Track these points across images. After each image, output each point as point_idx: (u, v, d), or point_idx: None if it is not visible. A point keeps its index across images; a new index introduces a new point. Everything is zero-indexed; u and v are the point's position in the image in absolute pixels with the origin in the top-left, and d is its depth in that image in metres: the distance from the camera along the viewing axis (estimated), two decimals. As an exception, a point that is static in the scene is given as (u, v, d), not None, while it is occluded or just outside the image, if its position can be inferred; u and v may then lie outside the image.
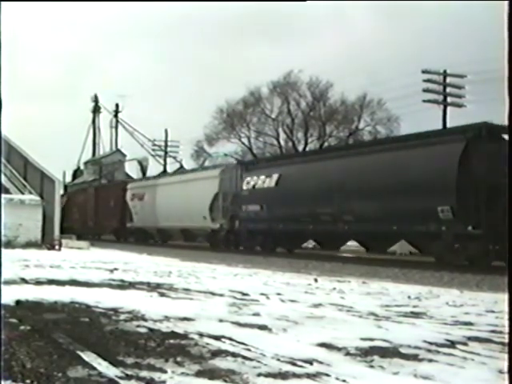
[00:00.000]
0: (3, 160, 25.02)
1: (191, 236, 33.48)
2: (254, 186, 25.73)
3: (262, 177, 25.40)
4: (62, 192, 34.62)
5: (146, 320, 5.43)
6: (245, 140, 51.84)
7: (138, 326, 5.07)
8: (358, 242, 23.97)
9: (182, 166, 52.61)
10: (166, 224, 34.04)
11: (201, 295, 7.83)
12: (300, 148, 48.31)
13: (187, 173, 37.13)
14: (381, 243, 22.06)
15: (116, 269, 12.47)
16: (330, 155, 24.59)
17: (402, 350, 4.35)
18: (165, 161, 58.05)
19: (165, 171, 51.15)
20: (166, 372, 3.49)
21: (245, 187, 26.33)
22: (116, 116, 67.25)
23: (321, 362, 3.85)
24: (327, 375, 3.53)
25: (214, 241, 29.56)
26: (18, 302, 6.26)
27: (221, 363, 3.76)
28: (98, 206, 43.43)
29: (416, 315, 6.45)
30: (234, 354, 4.02)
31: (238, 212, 27.01)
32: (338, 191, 20.77)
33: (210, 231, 29.64)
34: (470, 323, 5.88)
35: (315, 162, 23.81)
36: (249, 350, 4.19)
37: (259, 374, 3.50)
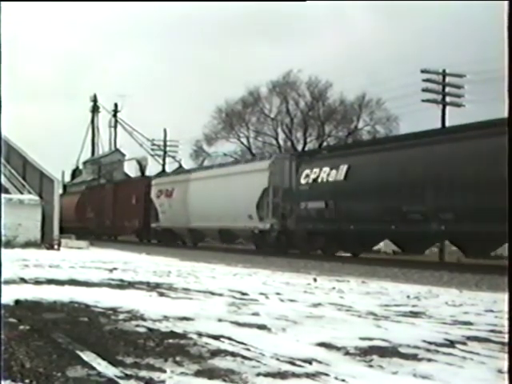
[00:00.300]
0: (3, 160, 25.02)
1: (230, 238, 29.57)
2: (315, 180, 22.19)
3: (326, 169, 21.77)
4: (60, 192, 34.35)
5: (145, 320, 5.43)
6: (244, 140, 51.82)
7: (137, 326, 5.07)
8: (455, 244, 19.89)
9: (180, 166, 52.59)
10: (200, 224, 30.02)
11: (200, 295, 7.83)
12: (299, 148, 48.26)
13: (229, 166, 32.12)
14: (486, 245, 17.66)
15: (115, 268, 12.47)
16: (421, 141, 19.49)
17: (401, 350, 4.35)
18: (164, 160, 58.06)
19: (164, 171, 51.09)
20: (165, 372, 3.49)
21: (303, 181, 22.81)
22: (115, 116, 67.37)
23: (320, 362, 3.85)
24: (326, 375, 3.53)
25: (262, 243, 25.78)
26: (17, 302, 6.26)
27: (220, 363, 3.76)
28: (118, 204, 39.41)
29: (415, 315, 6.46)
30: (233, 354, 4.02)
31: (293, 210, 23.55)
32: (433, 184, 17.45)
33: (258, 232, 25.72)
34: (469, 323, 5.88)
35: (399, 150, 19.77)
36: (248, 349, 4.19)
37: (258, 374, 3.50)
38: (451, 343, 4.68)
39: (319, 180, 21.99)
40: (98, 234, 40.06)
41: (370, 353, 4.20)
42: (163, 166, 56.78)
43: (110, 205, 40.32)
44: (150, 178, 38.76)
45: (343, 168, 21.00)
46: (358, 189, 20.15)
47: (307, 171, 22.75)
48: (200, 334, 4.71)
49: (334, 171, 21.38)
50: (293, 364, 3.77)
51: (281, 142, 50.81)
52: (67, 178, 65.99)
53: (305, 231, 22.84)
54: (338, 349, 4.33)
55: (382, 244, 23.19)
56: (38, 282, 8.89)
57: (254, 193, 25.40)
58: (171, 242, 32.26)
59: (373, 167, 20.11)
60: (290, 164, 24.64)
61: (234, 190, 26.90)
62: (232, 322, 5.44)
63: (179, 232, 32.87)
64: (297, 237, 23.53)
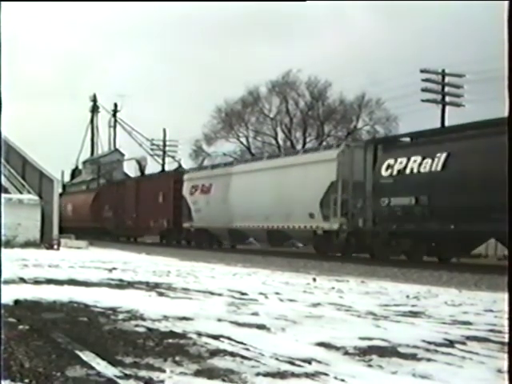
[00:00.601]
0: (2, 160, 25.01)
1: (281, 239, 26.21)
2: (400, 171, 18.84)
3: (417, 157, 18.45)
4: (60, 191, 34.11)
5: (144, 319, 5.43)
6: (243, 139, 51.77)
7: (137, 326, 5.07)
8: None
9: (180, 166, 52.51)
10: (244, 224, 26.41)
11: (199, 295, 7.83)
12: (298, 147, 48.28)
13: (283, 157, 27.60)
14: None
15: (115, 268, 12.47)
16: None
17: (401, 350, 4.35)
18: (163, 160, 58.03)
19: (163, 170, 51.05)
20: (164, 371, 3.48)
21: (384, 173, 19.37)
22: (114, 115, 67.37)
23: (319, 362, 3.85)
24: (326, 374, 3.53)
25: (325, 246, 22.25)
26: (16, 302, 6.26)
27: (219, 363, 3.76)
28: (141, 203, 35.67)
29: (414, 314, 6.46)
30: (232, 354, 4.02)
31: (364, 207, 20.29)
32: None
33: (321, 233, 22.21)
34: (468, 322, 5.88)
35: None
36: (247, 349, 4.19)
37: (258, 374, 3.50)
38: (450, 343, 4.68)
39: (407, 171, 18.63)
40: (117, 234, 38.15)
41: (369, 352, 4.20)
42: (163, 165, 56.77)
43: (133, 203, 36.57)
44: (180, 173, 34.84)
45: (441, 156, 17.76)
46: (461, 181, 16.92)
47: (390, 161, 19.34)
48: (199, 334, 4.71)
49: (427, 160, 18.11)
50: (292, 364, 3.77)
51: (280, 142, 50.85)
52: (67, 178, 66.04)
53: (386, 232, 19.34)
54: (337, 349, 4.33)
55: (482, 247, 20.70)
56: (37, 282, 8.89)
57: (318, 187, 21.82)
58: (207, 244, 29.04)
59: (482, 154, 16.66)
60: (364, 153, 20.74)
61: (289, 184, 23.50)
62: (231, 322, 5.44)
63: (217, 233, 29.29)
64: (373, 239, 20.00)
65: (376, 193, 19.64)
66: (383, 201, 19.19)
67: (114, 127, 67.51)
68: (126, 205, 37.45)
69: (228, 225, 27.54)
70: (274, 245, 26.59)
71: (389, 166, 19.32)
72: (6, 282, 7.86)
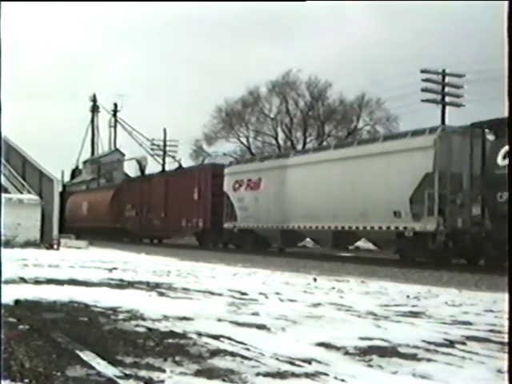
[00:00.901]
0: (2, 160, 25.00)
1: (349, 241, 23.24)
2: None
3: None
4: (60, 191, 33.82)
5: (144, 319, 5.43)
6: (243, 139, 51.85)
7: (137, 326, 5.07)
8: None
9: (180, 166, 52.57)
10: (304, 224, 22.87)
11: (200, 295, 7.83)
12: (299, 147, 48.31)
13: (357, 145, 22.33)
14: None
15: (115, 268, 12.47)
16: None
17: (401, 350, 4.35)
18: (163, 160, 58.04)
19: (163, 171, 51.04)
20: (164, 371, 3.49)
21: (501, 162, 16.25)
22: (115, 115, 67.41)
23: (319, 362, 3.85)
24: (326, 374, 3.53)
25: (416, 250, 18.69)
26: (16, 302, 6.26)
27: (219, 363, 3.76)
28: (172, 200, 32.07)
29: (415, 315, 6.46)
30: (232, 354, 4.02)
31: (467, 204, 17.38)
32: None
33: (411, 236, 18.52)
34: (468, 323, 5.88)
35: None
36: (247, 349, 4.20)
37: (258, 374, 3.50)
38: (451, 343, 4.68)
39: None
40: (141, 236, 35.64)
41: (369, 353, 4.20)
42: (163, 165, 56.79)
43: (161, 201, 33.14)
44: (219, 166, 30.51)
45: None
46: None
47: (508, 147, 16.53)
48: (199, 334, 4.71)
49: None
50: (292, 364, 3.77)
51: (280, 142, 50.90)
52: (67, 178, 66.07)
53: (505, 234, 16.79)
54: (337, 349, 4.33)
55: None
56: (37, 282, 8.89)
57: (408, 181, 18.45)
58: (250, 247, 25.45)
59: None
60: (469, 139, 17.41)
61: (366, 177, 20.02)
62: (231, 322, 5.44)
63: (266, 234, 25.61)
64: (481, 242, 16.76)
65: (489, 186, 16.39)
66: (500, 196, 15.95)
67: (115, 127, 67.62)
68: (153, 203, 33.99)
69: (282, 225, 24.12)
70: (341, 247, 23.56)
71: (508, 154, 15.82)
72: (6, 282, 7.86)
